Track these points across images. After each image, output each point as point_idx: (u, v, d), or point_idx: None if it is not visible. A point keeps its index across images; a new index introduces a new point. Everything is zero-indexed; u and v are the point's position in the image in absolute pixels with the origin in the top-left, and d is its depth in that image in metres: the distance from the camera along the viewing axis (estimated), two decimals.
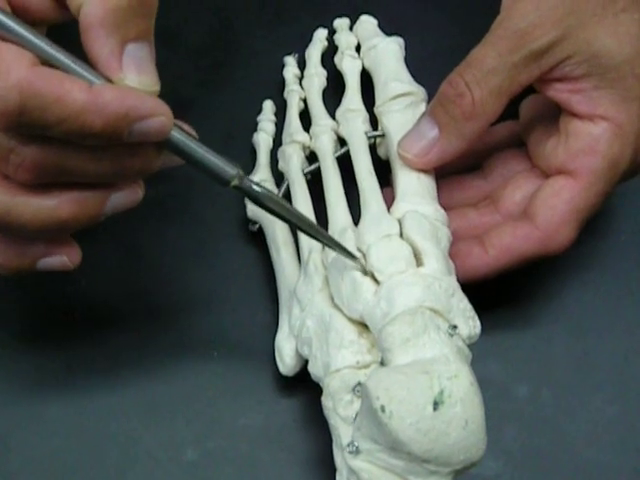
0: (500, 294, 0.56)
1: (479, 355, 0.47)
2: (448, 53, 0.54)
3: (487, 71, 0.50)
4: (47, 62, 0.41)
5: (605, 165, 0.51)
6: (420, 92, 0.54)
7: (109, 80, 0.41)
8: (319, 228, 0.48)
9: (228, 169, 0.44)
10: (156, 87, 0.43)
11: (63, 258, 0.46)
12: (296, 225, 0.47)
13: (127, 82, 0.41)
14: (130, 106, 0.40)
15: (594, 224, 0.56)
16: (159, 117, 0.41)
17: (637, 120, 0.51)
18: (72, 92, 0.40)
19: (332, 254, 0.49)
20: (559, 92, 0.51)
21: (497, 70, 0.50)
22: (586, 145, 0.51)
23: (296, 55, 0.62)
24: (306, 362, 0.50)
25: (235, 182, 0.44)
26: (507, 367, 0.55)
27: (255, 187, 0.45)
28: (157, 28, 0.62)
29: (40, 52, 0.41)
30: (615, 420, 0.54)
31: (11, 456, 0.52)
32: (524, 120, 0.56)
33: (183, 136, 0.43)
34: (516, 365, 0.55)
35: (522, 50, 0.49)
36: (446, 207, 0.52)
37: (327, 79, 0.60)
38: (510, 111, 0.55)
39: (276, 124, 0.60)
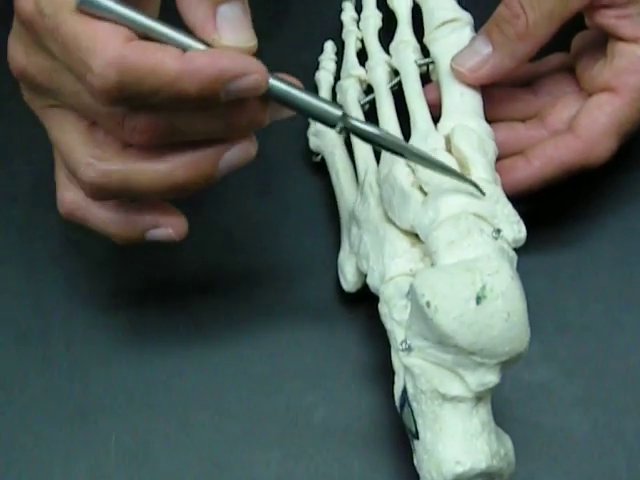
0: (545, 214, 0.58)
1: (528, 272, 0.49)
2: None
3: None
4: (144, 35, 0.43)
5: None
6: (464, 16, 0.57)
7: (206, 43, 0.43)
8: (426, 154, 0.48)
9: (332, 111, 0.45)
10: (252, 42, 0.44)
11: (169, 230, 0.49)
12: (402, 154, 0.48)
13: (223, 42, 0.43)
14: (221, 68, 0.42)
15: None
16: (252, 75, 0.42)
17: None
18: (165, 63, 0.41)
19: (384, 172, 0.52)
20: (607, 18, 0.54)
21: None
22: (630, 64, 0.54)
23: (353, 1, 0.65)
24: (366, 278, 0.53)
25: (340, 123, 0.46)
26: (556, 282, 0.57)
27: (360, 125, 0.47)
28: None
29: (135, 26, 0.42)
30: None
31: (90, 380, 0.55)
32: (574, 51, 0.59)
33: (285, 86, 0.45)
34: (564, 281, 0.57)
35: None
36: (495, 118, 0.55)
37: (382, 21, 0.63)
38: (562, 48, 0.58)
39: (337, 63, 0.63)
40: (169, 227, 0.49)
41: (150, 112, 0.43)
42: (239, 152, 0.46)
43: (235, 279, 0.58)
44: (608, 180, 0.58)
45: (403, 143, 0.48)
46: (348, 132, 0.47)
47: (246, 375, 0.55)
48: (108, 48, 0.41)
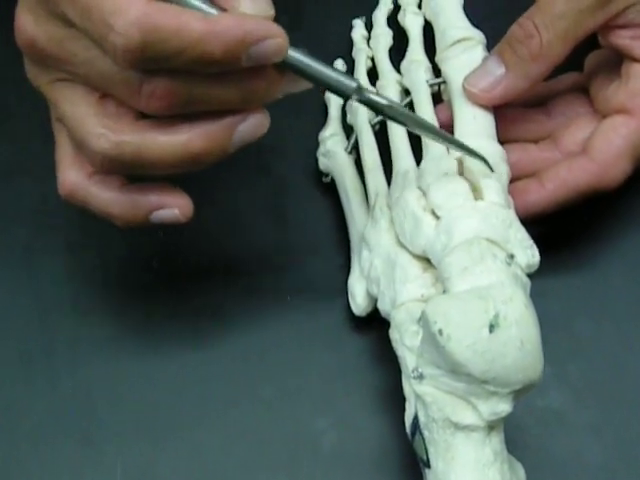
0: (557, 237, 0.57)
1: (540, 294, 0.48)
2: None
3: (556, 15, 0.52)
4: None
5: None
6: (476, 35, 0.56)
7: (224, 10, 0.43)
8: (440, 131, 0.50)
9: (348, 83, 0.46)
10: (270, 12, 0.44)
11: (175, 211, 0.48)
12: (416, 129, 0.49)
13: (242, 9, 0.43)
14: (246, 30, 0.42)
15: None
16: (275, 39, 0.43)
17: None
18: (190, 23, 0.41)
19: (395, 196, 0.52)
20: (621, 38, 0.53)
21: (565, 15, 0.52)
22: None
23: (364, 18, 0.65)
24: (377, 302, 0.52)
25: (355, 95, 0.47)
26: (568, 305, 0.56)
27: (374, 97, 0.48)
28: None
29: None
30: None
31: (95, 403, 0.54)
32: (588, 70, 0.58)
33: (302, 56, 0.45)
34: (577, 303, 0.56)
35: None
36: (508, 139, 0.55)
37: (393, 39, 0.63)
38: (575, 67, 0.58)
39: None
40: (175, 207, 0.48)
41: (169, 77, 0.43)
42: (253, 124, 0.46)
43: (243, 300, 0.57)
44: (621, 201, 0.57)
45: (417, 117, 0.50)
46: (365, 104, 0.48)
47: (255, 399, 0.54)
48: (131, 8, 0.41)
